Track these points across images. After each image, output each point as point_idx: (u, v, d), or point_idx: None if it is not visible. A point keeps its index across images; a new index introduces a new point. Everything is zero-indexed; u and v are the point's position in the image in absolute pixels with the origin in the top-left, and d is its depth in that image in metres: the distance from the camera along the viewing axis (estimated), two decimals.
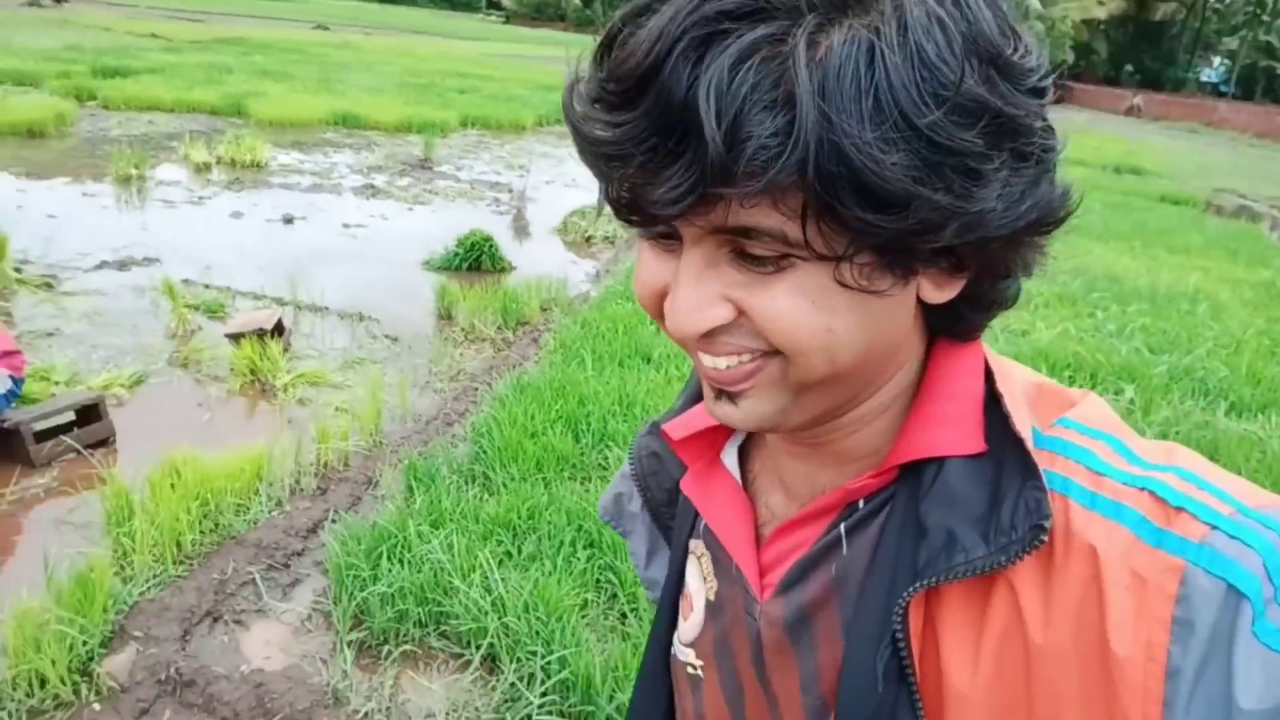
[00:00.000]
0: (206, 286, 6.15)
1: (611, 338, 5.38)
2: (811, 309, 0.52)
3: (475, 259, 7.26)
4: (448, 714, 2.60)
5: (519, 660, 2.71)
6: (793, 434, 0.63)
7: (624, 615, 3.00)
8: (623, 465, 0.87)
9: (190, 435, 4.00)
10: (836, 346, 0.53)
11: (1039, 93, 0.51)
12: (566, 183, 11.70)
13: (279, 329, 5.16)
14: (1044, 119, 0.52)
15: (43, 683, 2.51)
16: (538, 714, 2.57)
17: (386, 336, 5.69)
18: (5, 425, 3.78)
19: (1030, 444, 0.55)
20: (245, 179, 9.90)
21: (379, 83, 19.02)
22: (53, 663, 2.51)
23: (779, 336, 0.53)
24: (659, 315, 0.58)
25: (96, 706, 2.53)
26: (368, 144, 12.96)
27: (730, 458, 0.73)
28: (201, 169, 10.06)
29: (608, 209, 0.54)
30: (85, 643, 2.61)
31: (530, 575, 3.01)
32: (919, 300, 0.56)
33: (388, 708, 2.61)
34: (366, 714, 2.57)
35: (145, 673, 2.64)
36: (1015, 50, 0.50)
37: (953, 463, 0.57)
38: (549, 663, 2.67)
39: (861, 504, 0.62)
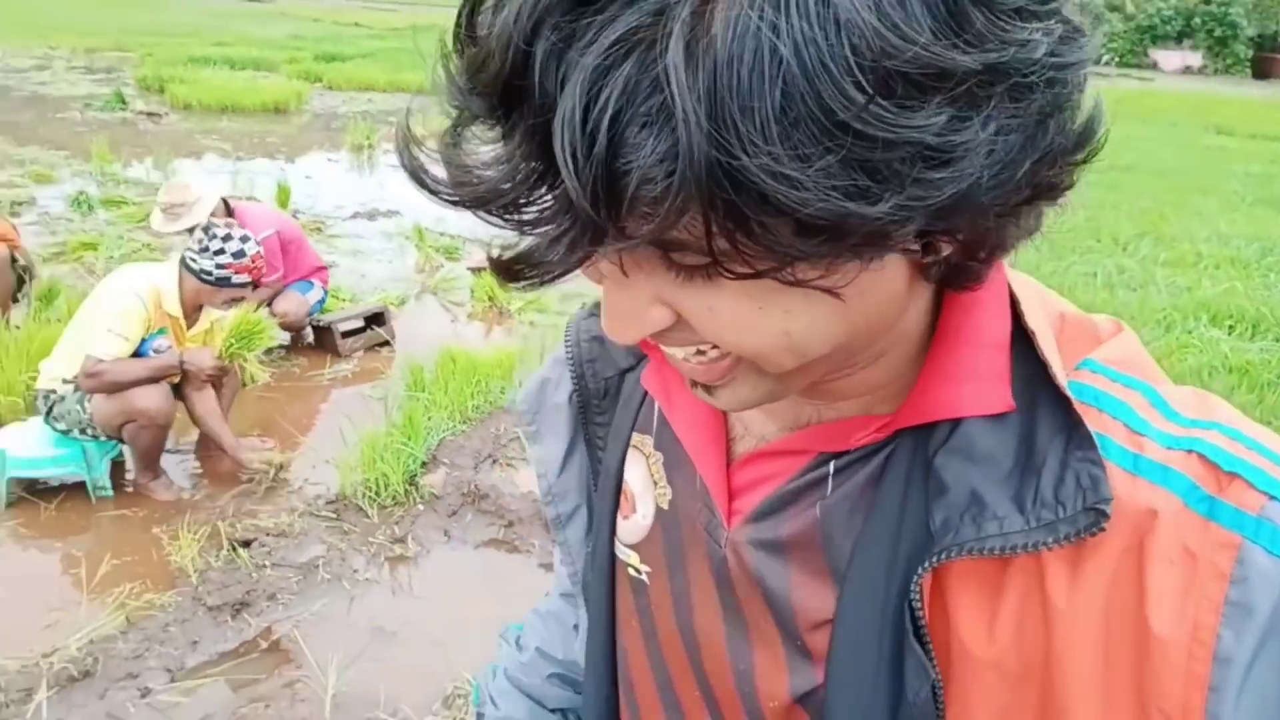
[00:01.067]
0: (441, 234, 7.23)
1: None
2: (759, 314, 0.43)
3: None
4: None
5: None
6: None
7: None
8: (555, 350, 0.76)
9: (449, 341, 4.99)
10: (801, 345, 0.44)
11: (1047, 13, 0.37)
12: None
13: None
14: (1064, 25, 0.38)
15: (385, 486, 3.48)
16: None
17: None
18: (320, 325, 4.87)
19: (1073, 399, 0.49)
20: None
21: None
22: (391, 472, 3.48)
23: (729, 346, 0.45)
24: None
25: (420, 507, 3.49)
26: None
27: None
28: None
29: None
30: (413, 460, 3.57)
31: None
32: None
33: None
34: None
35: (452, 487, 3.58)
36: None
37: (974, 419, 0.51)
38: None
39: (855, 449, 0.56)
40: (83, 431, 3.36)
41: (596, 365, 0.72)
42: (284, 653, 2.77)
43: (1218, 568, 0.44)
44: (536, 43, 0.35)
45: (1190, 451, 0.48)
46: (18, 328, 4.34)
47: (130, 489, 3.53)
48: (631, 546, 0.69)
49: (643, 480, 0.68)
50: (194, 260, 3.35)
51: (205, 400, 3.51)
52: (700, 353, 0.48)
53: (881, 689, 0.53)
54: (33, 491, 3.43)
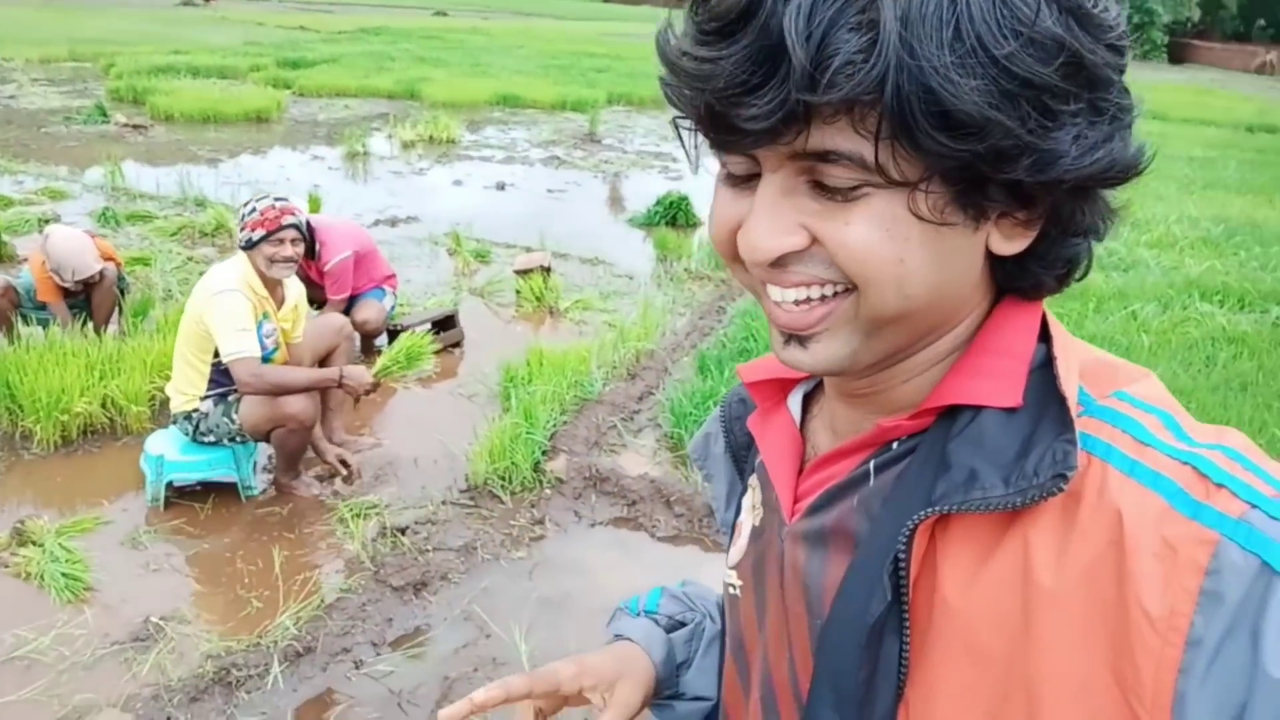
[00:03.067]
0: (473, 239, 7.45)
1: None
2: (885, 238, 0.53)
3: (672, 216, 8.41)
4: None
5: None
6: (850, 380, 0.64)
7: None
8: (715, 409, 0.90)
9: (514, 341, 5.27)
10: (908, 280, 0.54)
11: (1118, 50, 0.53)
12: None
13: (548, 268, 6.41)
14: (1121, 75, 0.54)
15: (515, 474, 3.77)
16: None
17: (624, 275, 6.91)
18: (397, 329, 5.11)
19: (1073, 403, 0.56)
20: (449, 154, 11.32)
21: (523, 65, 20.41)
22: (521, 460, 3.77)
23: (851, 265, 0.54)
24: (733, 255, 0.60)
25: (548, 492, 3.79)
26: (533, 121, 14.28)
27: (794, 400, 0.76)
28: (408, 146, 11.51)
29: (702, 142, 0.58)
30: (537, 449, 3.86)
31: None
32: (989, 253, 0.58)
33: None
34: None
35: (574, 472, 3.88)
36: (1094, 3, 0.52)
37: (989, 413, 0.58)
38: None
39: (895, 445, 0.64)
40: (231, 440, 3.58)
41: (740, 422, 0.84)
42: (471, 624, 3.05)
43: (1195, 561, 0.48)
44: None
45: (1186, 463, 0.52)
46: (121, 336, 4.51)
47: (269, 489, 3.77)
48: (733, 568, 0.79)
49: (746, 511, 0.79)
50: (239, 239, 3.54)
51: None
52: (805, 300, 0.57)
53: (854, 644, 0.59)
54: (181, 494, 3.63)
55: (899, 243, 0.53)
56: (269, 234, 3.49)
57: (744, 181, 0.58)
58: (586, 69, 20.48)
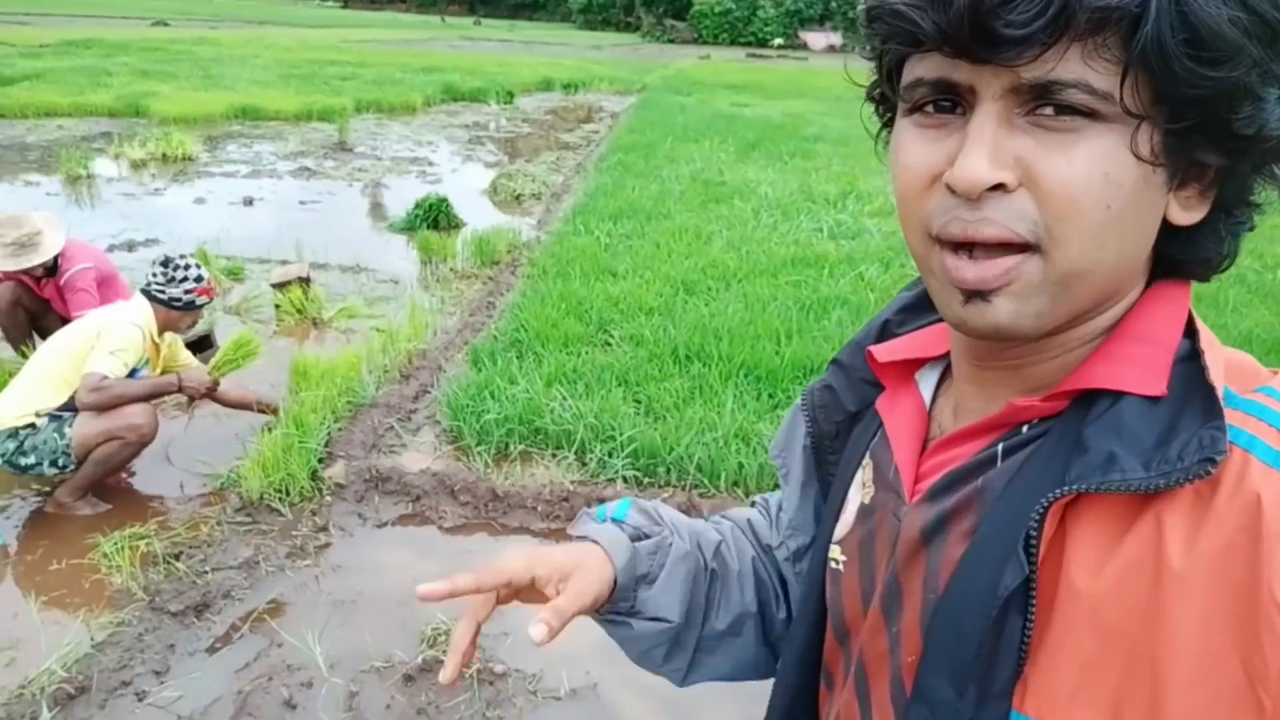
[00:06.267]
0: (217, 256, 7.10)
1: (580, 259, 6.72)
2: (1103, 180, 0.53)
3: (433, 219, 8.39)
4: (560, 482, 3.93)
5: (601, 444, 4.07)
6: (1002, 351, 0.64)
7: (660, 416, 4.38)
8: (793, 405, 0.89)
9: (278, 355, 5.13)
10: (1106, 230, 0.55)
11: None
12: (466, 156, 12.82)
13: (307, 279, 6.25)
14: None
15: (292, 484, 3.71)
16: (622, 472, 3.94)
17: (388, 280, 6.85)
18: None
19: (1220, 394, 0.55)
20: (186, 171, 10.63)
21: (260, 75, 19.39)
22: (297, 470, 3.72)
23: (1064, 205, 0.54)
24: (912, 209, 0.59)
25: (329, 498, 3.76)
26: (278, 134, 13.65)
27: (926, 381, 0.76)
28: (139, 165, 10.70)
29: (918, 64, 0.57)
30: (312, 456, 3.82)
31: (592, 402, 4.36)
32: (1162, 225, 0.58)
33: (521, 482, 3.92)
34: (509, 484, 3.87)
35: (354, 475, 3.87)
36: None
37: (1130, 400, 0.58)
38: (621, 442, 4.03)
39: (1025, 429, 0.63)
40: (51, 462, 3.46)
41: (828, 410, 0.84)
42: (260, 636, 3.01)
43: None
44: None
45: None
46: None
47: (18, 534, 3.50)
48: (837, 542, 0.78)
49: (855, 488, 0.78)
50: (162, 290, 3.65)
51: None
52: (991, 248, 0.56)
53: (980, 619, 0.58)
54: None
55: (1113, 188, 0.54)
56: (207, 303, 3.85)
57: (939, 125, 0.58)
58: (330, 77, 19.79)
